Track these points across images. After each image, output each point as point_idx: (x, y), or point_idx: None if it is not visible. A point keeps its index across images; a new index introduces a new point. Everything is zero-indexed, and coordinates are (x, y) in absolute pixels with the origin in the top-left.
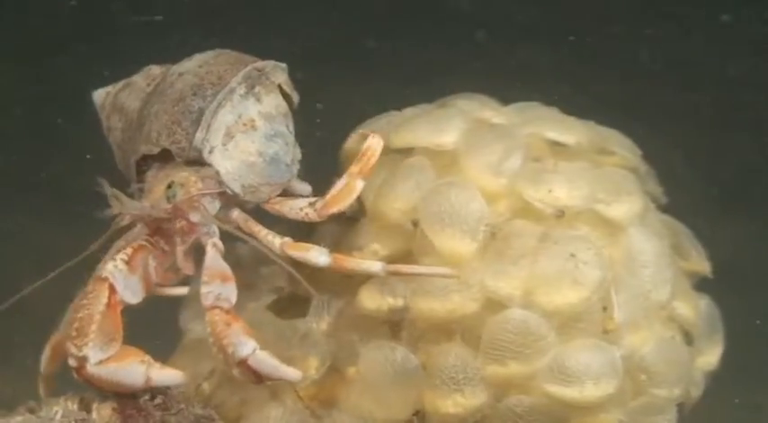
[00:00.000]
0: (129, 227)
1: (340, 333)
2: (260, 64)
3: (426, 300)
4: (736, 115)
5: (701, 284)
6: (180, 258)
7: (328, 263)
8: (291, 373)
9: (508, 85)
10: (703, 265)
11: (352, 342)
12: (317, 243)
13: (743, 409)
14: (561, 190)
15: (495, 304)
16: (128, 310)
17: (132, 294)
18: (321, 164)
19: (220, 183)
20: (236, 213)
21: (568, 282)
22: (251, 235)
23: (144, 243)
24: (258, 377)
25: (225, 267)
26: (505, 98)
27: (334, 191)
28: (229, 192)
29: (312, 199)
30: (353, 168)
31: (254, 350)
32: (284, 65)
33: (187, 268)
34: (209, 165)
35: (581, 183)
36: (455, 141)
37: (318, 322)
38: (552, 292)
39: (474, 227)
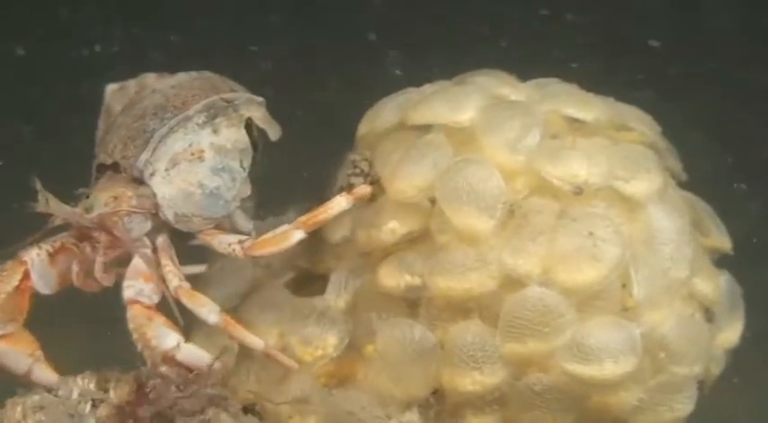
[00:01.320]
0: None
1: (358, 311)
2: (230, 95)
3: (444, 278)
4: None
5: (722, 261)
6: (98, 269)
7: (216, 322)
8: (218, 364)
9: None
10: (724, 242)
11: (370, 320)
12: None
13: (764, 386)
14: (580, 167)
15: (513, 282)
16: None
17: (45, 285)
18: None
19: (155, 206)
20: (161, 239)
21: (587, 259)
22: (157, 264)
23: (72, 244)
24: (188, 370)
25: (149, 271)
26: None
27: (269, 234)
28: (162, 217)
29: (244, 237)
30: (302, 217)
31: (179, 343)
32: (261, 99)
33: (105, 279)
34: (149, 186)
35: (599, 159)
36: (473, 118)
37: (336, 300)
38: (571, 269)
39: (492, 204)
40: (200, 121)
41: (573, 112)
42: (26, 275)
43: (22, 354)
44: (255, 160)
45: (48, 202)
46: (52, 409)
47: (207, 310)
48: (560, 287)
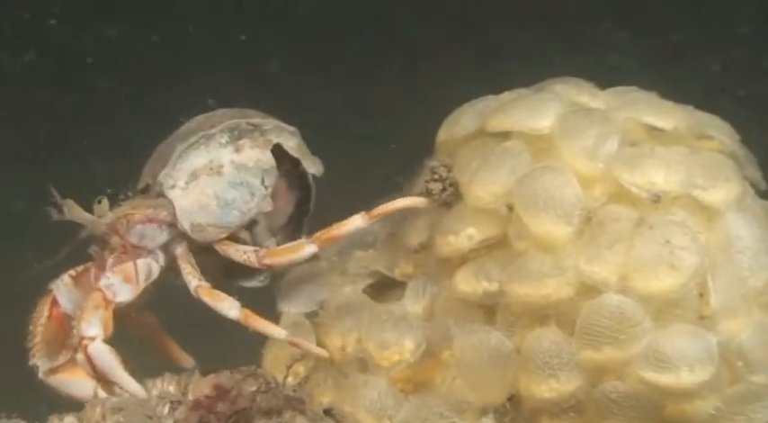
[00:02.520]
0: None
1: (435, 317)
2: (257, 120)
3: (521, 284)
4: None
5: None
6: (108, 267)
7: (237, 317)
8: (131, 384)
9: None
10: None
11: (447, 326)
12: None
13: None
14: (658, 175)
15: (590, 289)
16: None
17: (75, 307)
18: None
19: (174, 216)
20: (179, 249)
21: (664, 267)
22: (177, 269)
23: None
24: (93, 369)
25: (134, 276)
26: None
27: (284, 246)
28: (179, 227)
29: (260, 248)
30: (318, 233)
31: (97, 337)
32: (293, 129)
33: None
34: (168, 199)
35: (678, 168)
36: (551, 125)
37: (414, 306)
38: (648, 277)
39: (569, 211)
40: (223, 141)
41: (652, 120)
42: (54, 303)
43: (84, 378)
44: (308, 197)
45: (66, 209)
46: (131, 411)
47: (227, 305)
48: (637, 295)
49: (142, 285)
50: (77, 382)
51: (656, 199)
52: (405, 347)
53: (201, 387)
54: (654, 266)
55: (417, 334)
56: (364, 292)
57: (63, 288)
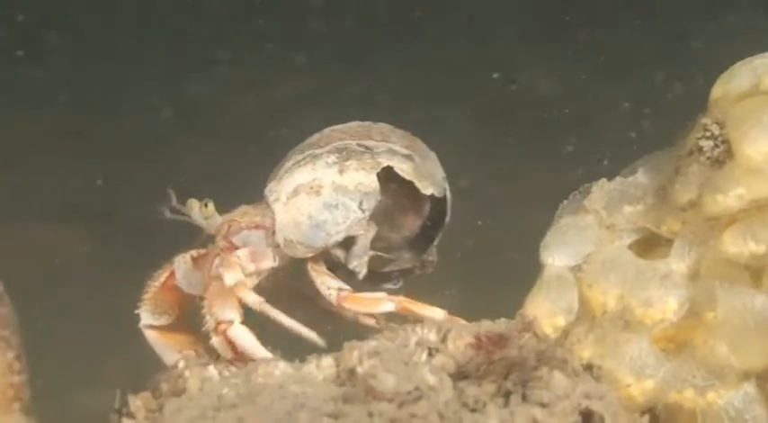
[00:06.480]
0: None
1: (700, 277)
2: (370, 143)
3: None
4: None
5: None
6: (214, 266)
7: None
8: (263, 353)
9: None
10: None
11: (712, 286)
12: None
13: None
14: None
15: None
16: None
17: (188, 284)
18: None
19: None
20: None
21: None
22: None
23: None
24: (234, 350)
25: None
26: None
27: (366, 294)
28: (275, 239)
29: (344, 287)
30: (403, 297)
31: (235, 320)
32: (407, 152)
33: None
34: (272, 211)
35: None
36: None
37: (679, 264)
38: None
39: None
40: (330, 161)
41: None
42: (171, 275)
43: (171, 349)
44: (434, 229)
45: (184, 212)
46: (387, 356)
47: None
48: None
49: (255, 271)
50: (165, 347)
51: None
52: (668, 306)
53: (463, 336)
54: None
55: (681, 293)
56: (630, 248)
57: (182, 265)
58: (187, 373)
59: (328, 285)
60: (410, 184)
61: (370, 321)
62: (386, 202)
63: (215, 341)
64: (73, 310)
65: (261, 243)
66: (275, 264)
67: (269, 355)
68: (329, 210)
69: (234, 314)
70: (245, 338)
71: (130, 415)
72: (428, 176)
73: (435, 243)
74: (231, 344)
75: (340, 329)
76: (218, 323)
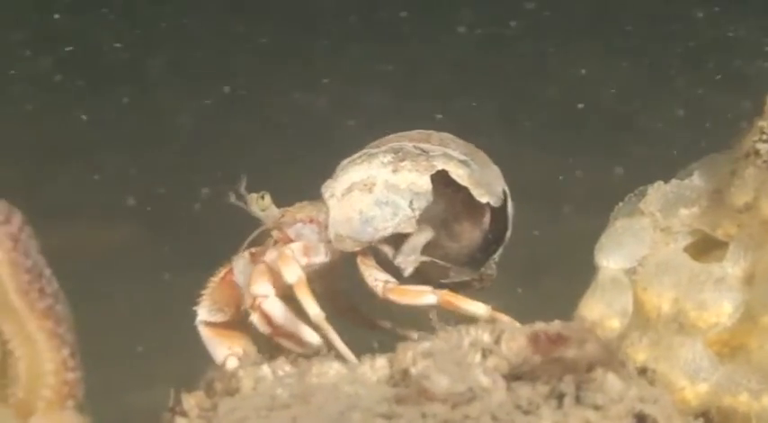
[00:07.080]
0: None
1: (756, 281)
2: (426, 146)
3: None
4: None
5: None
6: (267, 257)
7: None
8: (310, 334)
9: None
10: None
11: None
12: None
13: None
14: None
15: None
16: None
17: (245, 280)
18: None
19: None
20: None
21: None
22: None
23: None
24: (270, 323)
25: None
26: None
27: (411, 287)
28: (327, 234)
29: (391, 279)
30: (446, 291)
31: (269, 294)
32: (464, 158)
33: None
34: (327, 207)
35: None
36: None
37: (734, 268)
38: None
39: None
40: (386, 161)
41: None
42: (229, 271)
43: (221, 345)
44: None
45: (246, 203)
46: (440, 357)
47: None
48: None
49: (307, 265)
50: (216, 344)
51: None
52: (723, 310)
53: (516, 338)
54: None
55: (736, 297)
56: (685, 251)
57: (241, 261)
58: (241, 373)
59: (375, 277)
60: (467, 192)
61: (387, 325)
62: (441, 208)
63: (253, 318)
64: (128, 308)
65: (313, 237)
66: (326, 259)
67: (306, 327)
68: (379, 206)
69: (268, 288)
70: (280, 311)
71: (183, 414)
72: (485, 185)
73: (496, 257)
74: (267, 318)
75: (375, 337)
76: (254, 298)
